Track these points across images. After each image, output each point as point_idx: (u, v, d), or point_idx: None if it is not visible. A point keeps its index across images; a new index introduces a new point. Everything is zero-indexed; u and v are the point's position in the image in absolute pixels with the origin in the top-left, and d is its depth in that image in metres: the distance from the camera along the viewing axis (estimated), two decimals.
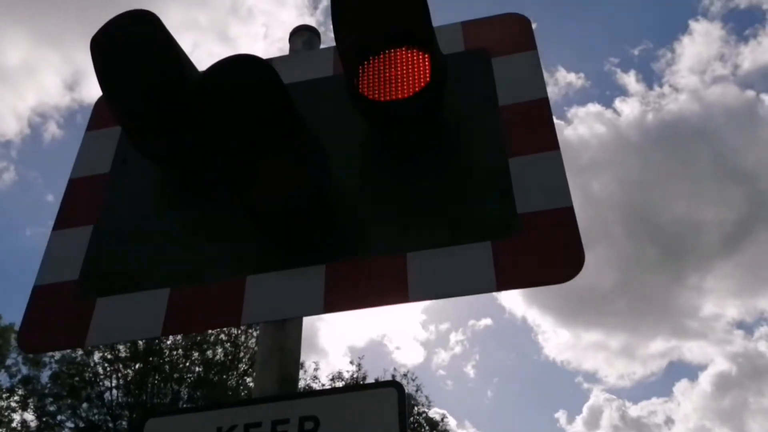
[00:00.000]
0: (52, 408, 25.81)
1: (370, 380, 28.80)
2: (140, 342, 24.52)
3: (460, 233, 2.01)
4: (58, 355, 25.05)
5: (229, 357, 26.90)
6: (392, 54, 2.25)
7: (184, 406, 25.30)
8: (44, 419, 25.52)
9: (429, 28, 2.14)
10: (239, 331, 26.30)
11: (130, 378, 25.71)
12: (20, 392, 25.81)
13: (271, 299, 2.02)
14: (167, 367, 25.86)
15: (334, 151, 2.25)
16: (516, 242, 1.95)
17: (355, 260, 2.04)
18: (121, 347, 24.96)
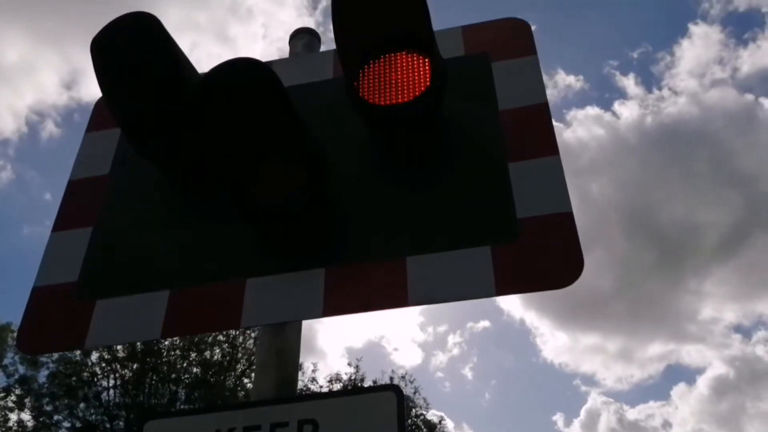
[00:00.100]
0: (48, 408, 25.77)
1: (368, 382, 28.81)
2: (138, 342, 24.48)
3: (460, 238, 2.01)
4: (55, 354, 25.00)
5: (227, 358, 26.88)
6: (392, 58, 2.25)
7: (182, 406, 25.28)
8: (41, 419, 25.47)
9: (429, 31, 2.15)
10: (237, 332, 26.28)
11: (127, 378, 25.68)
12: (17, 392, 25.78)
13: (271, 302, 2.03)
14: (165, 367, 25.83)
15: (334, 154, 2.25)
16: (515, 247, 1.96)
17: (355, 264, 2.04)
18: (118, 347, 24.92)
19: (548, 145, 2.16)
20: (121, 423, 25.21)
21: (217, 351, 26.95)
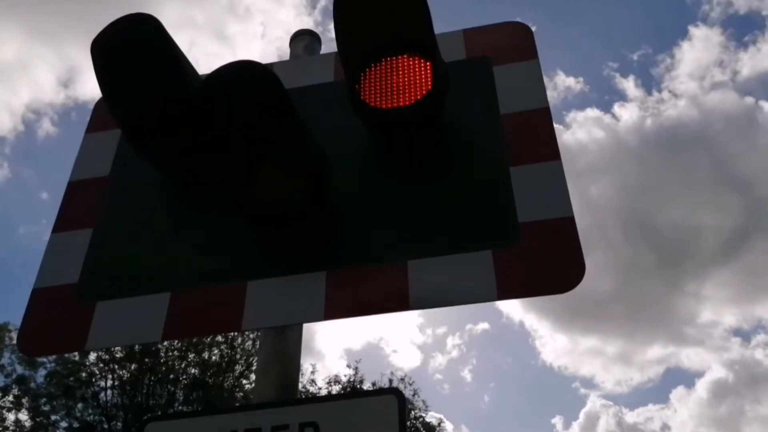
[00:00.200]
0: (46, 408, 25.74)
1: (367, 384, 28.81)
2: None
3: (461, 241, 2.02)
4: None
5: (226, 359, 26.86)
6: (394, 61, 2.26)
7: (180, 407, 25.26)
8: (38, 419, 25.43)
9: (431, 35, 2.15)
10: (236, 333, 26.25)
11: (125, 379, 25.65)
12: (14, 392, 25.74)
13: (272, 305, 2.03)
14: (163, 368, 25.81)
15: (335, 157, 2.25)
16: (517, 251, 1.96)
17: (356, 267, 2.04)
18: (116, 347, 24.88)
19: (550, 149, 2.16)
20: (119, 423, 25.18)
21: (216, 352, 26.95)
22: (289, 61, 2.84)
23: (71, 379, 25.58)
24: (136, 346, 24.77)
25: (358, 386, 28.56)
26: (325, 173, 2.12)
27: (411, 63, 2.24)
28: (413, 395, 29.34)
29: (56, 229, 2.47)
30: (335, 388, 28.46)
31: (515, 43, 2.50)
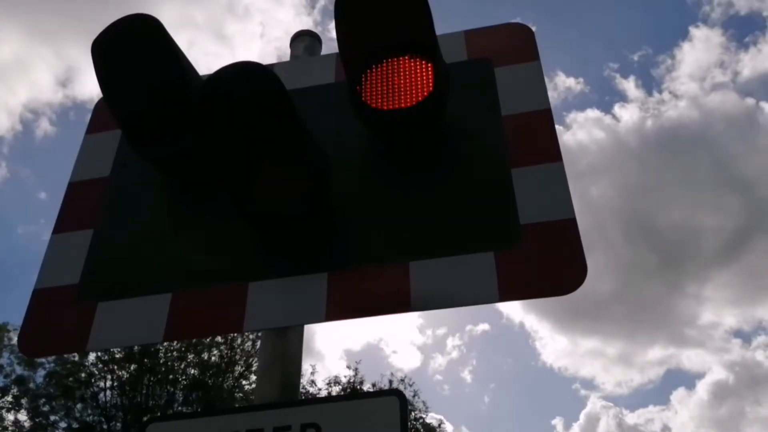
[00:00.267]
0: (45, 408, 25.73)
1: (367, 385, 28.81)
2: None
3: (463, 243, 2.01)
4: None
5: (225, 360, 26.86)
6: (395, 62, 2.25)
7: (180, 408, 25.25)
8: (37, 419, 25.42)
9: (432, 36, 2.15)
10: (235, 334, 26.23)
11: (124, 379, 25.65)
12: (13, 392, 25.72)
13: (274, 306, 2.03)
14: (162, 368, 25.80)
15: (337, 158, 2.25)
16: (519, 253, 1.96)
17: (358, 269, 2.04)
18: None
19: (551, 151, 2.16)
20: (118, 424, 25.17)
21: (215, 353, 26.94)
22: (290, 62, 2.84)
23: (70, 379, 25.57)
24: (135, 347, 24.76)
25: (358, 387, 28.56)
26: (326, 174, 2.12)
27: (412, 64, 2.24)
28: (413, 396, 29.35)
29: (57, 229, 2.47)
30: (335, 389, 28.48)
31: (516, 45, 2.50)
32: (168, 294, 2.14)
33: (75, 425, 25.60)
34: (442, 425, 33.09)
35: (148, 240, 2.33)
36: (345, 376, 29.59)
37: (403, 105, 2.18)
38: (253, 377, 26.60)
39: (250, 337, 26.34)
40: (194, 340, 25.40)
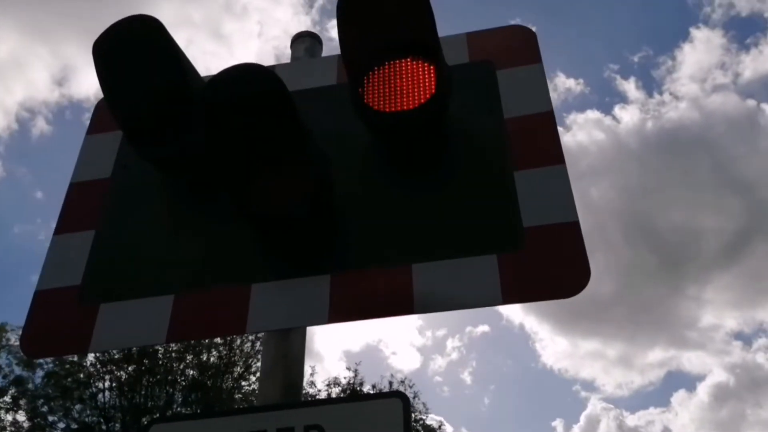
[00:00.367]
0: (44, 409, 25.70)
1: (367, 386, 28.81)
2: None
3: (466, 245, 2.02)
4: None
5: (224, 361, 26.84)
6: (398, 64, 2.25)
7: (179, 409, 25.23)
8: (36, 420, 25.39)
9: (435, 38, 2.15)
10: (234, 335, 26.21)
11: (123, 380, 25.63)
12: (12, 392, 25.69)
13: (277, 308, 2.03)
14: (161, 369, 25.79)
15: (339, 160, 2.25)
16: (522, 256, 1.96)
17: (360, 271, 2.05)
18: None
19: (554, 153, 2.16)
20: (117, 425, 25.15)
21: (214, 353, 26.92)
22: (291, 64, 2.84)
23: (69, 380, 25.55)
24: (134, 348, 24.73)
25: (358, 389, 28.55)
26: (328, 175, 2.12)
27: (414, 66, 2.24)
28: (414, 398, 29.31)
29: (58, 230, 2.47)
30: (335, 390, 28.47)
31: (519, 47, 2.50)
32: (170, 295, 2.14)
33: (74, 426, 25.57)
34: (442, 427, 33.12)
35: (150, 241, 2.33)
36: (344, 378, 29.62)
37: (405, 107, 2.18)
38: (253, 378, 26.64)
39: (249, 338, 26.34)
40: (193, 342, 25.40)
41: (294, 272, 2.09)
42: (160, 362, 25.92)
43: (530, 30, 2.57)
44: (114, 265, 2.30)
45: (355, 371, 29.55)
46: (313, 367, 39.25)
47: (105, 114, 2.69)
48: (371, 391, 27.67)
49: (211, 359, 26.89)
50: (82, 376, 25.68)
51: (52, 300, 2.26)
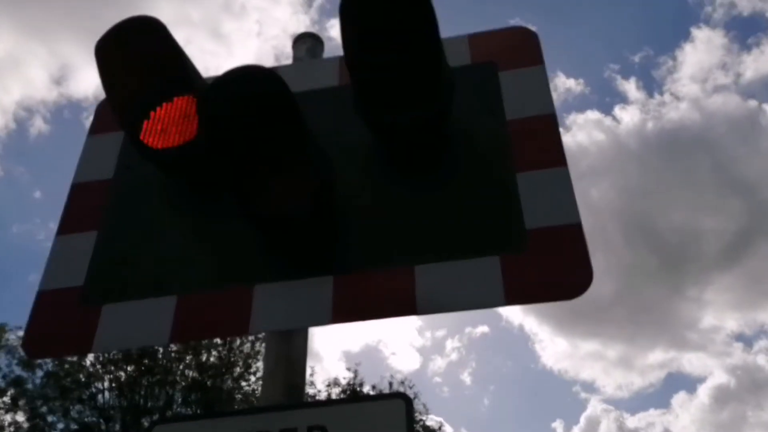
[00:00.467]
0: (43, 409, 25.69)
1: (366, 387, 28.81)
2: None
3: (469, 247, 2.02)
4: None
5: (224, 361, 26.84)
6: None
7: (178, 409, 25.23)
8: (35, 420, 25.38)
9: (437, 40, 2.15)
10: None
11: (122, 380, 25.62)
12: (10, 392, 25.67)
13: (279, 309, 2.03)
14: (161, 369, 25.78)
15: (341, 161, 2.26)
16: (524, 257, 1.97)
17: (363, 272, 2.05)
18: None
19: (556, 155, 2.16)
20: (116, 425, 25.14)
21: (214, 353, 26.92)
22: (293, 65, 2.85)
23: (68, 380, 25.54)
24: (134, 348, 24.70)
25: (358, 389, 28.56)
26: (330, 176, 2.13)
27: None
28: (414, 398, 29.31)
29: (60, 231, 2.48)
30: (335, 391, 28.48)
31: (521, 49, 2.51)
32: (173, 296, 2.14)
33: (73, 426, 25.56)
34: (442, 428, 33.07)
35: (152, 242, 2.33)
36: (344, 378, 29.63)
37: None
38: (253, 378, 26.66)
39: (249, 339, 26.33)
40: (192, 342, 25.39)
41: (297, 273, 2.09)
42: (160, 362, 25.91)
43: (532, 31, 2.57)
44: (116, 265, 2.30)
45: (355, 372, 29.59)
46: (312, 368, 39.19)
47: (107, 114, 2.69)
48: (371, 392, 27.70)
49: (211, 359, 26.90)
50: (81, 376, 25.67)
51: (55, 301, 2.26)
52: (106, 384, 25.77)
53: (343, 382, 29.23)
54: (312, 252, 2.15)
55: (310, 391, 28.07)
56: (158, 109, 2.34)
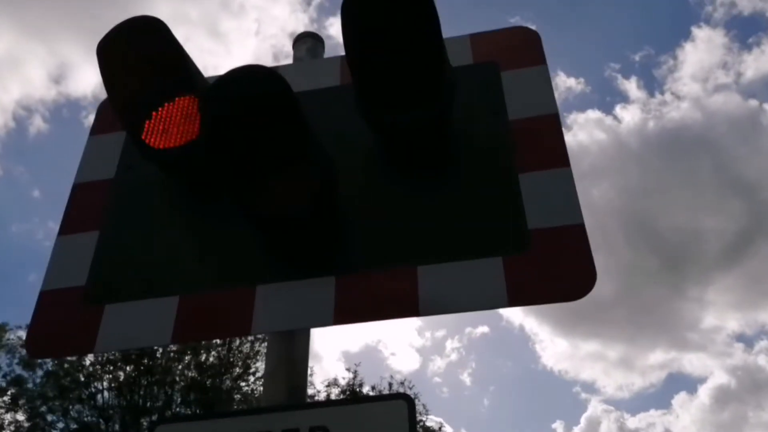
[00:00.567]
0: (43, 409, 25.71)
1: (366, 387, 28.82)
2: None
3: (471, 248, 2.02)
4: None
5: (223, 361, 26.86)
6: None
7: (178, 409, 25.23)
8: (35, 420, 25.39)
9: (439, 40, 2.15)
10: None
11: (122, 380, 25.64)
12: (11, 392, 25.69)
13: (282, 309, 2.03)
14: (160, 369, 25.79)
15: (343, 162, 2.25)
16: (527, 258, 1.96)
17: (365, 273, 2.05)
18: None
19: (559, 156, 2.16)
20: (116, 425, 25.15)
21: (213, 354, 26.94)
22: (293, 65, 2.85)
23: (68, 379, 25.55)
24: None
25: (358, 389, 28.57)
26: (332, 177, 2.12)
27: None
28: (414, 399, 29.30)
29: (62, 231, 2.48)
30: (334, 391, 28.49)
31: (523, 49, 2.50)
32: (175, 296, 2.14)
33: (73, 426, 25.57)
34: (442, 428, 33.11)
35: (154, 242, 2.33)
36: (343, 378, 29.64)
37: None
38: (252, 379, 26.66)
39: (249, 339, 26.34)
40: (191, 342, 25.35)
41: (299, 274, 2.09)
42: (159, 362, 25.92)
43: (534, 31, 2.57)
44: (119, 265, 2.30)
45: (355, 372, 29.60)
46: (311, 368, 39.20)
47: (108, 114, 2.70)
48: (371, 392, 27.71)
49: (210, 360, 26.91)
50: (81, 376, 25.68)
51: (57, 301, 2.26)
52: (106, 384, 25.78)
53: (343, 382, 29.26)
54: (314, 252, 2.15)
55: (309, 391, 28.01)
56: (160, 109, 2.34)
